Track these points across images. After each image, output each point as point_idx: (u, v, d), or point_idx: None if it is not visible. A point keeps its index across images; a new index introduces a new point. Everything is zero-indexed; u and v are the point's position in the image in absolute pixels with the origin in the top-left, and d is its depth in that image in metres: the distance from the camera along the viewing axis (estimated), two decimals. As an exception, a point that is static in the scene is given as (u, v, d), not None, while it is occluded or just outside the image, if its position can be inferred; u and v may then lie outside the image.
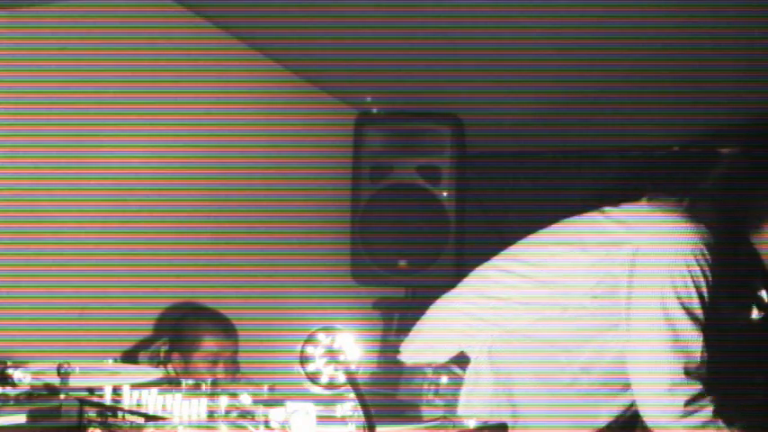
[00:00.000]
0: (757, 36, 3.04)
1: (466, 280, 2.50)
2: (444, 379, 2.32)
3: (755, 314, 2.27)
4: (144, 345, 3.53)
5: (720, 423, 2.15)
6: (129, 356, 3.46)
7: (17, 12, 3.19)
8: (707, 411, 2.14)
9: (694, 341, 2.16)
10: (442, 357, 2.36)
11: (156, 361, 3.40)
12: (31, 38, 3.23)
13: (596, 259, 2.27)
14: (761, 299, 2.24)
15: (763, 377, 3.48)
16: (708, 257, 2.18)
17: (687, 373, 2.14)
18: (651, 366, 2.17)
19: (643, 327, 2.20)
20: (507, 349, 2.32)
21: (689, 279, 2.16)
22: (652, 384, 2.17)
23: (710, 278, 2.18)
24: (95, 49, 3.39)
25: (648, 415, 2.18)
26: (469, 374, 2.33)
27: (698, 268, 2.17)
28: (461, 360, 2.33)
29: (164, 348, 3.46)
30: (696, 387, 2.15)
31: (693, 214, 2.25)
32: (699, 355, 2.16)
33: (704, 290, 2.18)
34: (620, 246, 2.25)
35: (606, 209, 2.36)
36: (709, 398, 2.15)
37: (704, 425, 2.13)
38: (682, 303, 2.16)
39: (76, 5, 3.30)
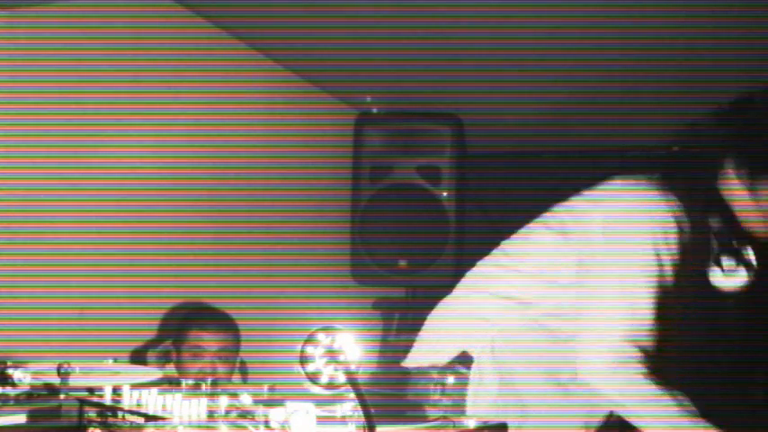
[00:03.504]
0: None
1: (462, 280, 2.50)
2: (451, 379, 2.32)
3: (723, 282, 2.25)
4: (151, 344, 3.54)
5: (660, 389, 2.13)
6: (137, 356, 3.47)
7: (17, 12, 3.19)
8: (641, 375, 2.13)
9: (645, 309, 2.15)
10: (445, 358, 2.36)
11: (164, 361, 3.41)
12: (31, 38, 3.23)
13: (575, 239, 2.27)
14: (744, 261, 2.23)
15: (763, 377, 3.49)
16: (676, 227, 2.18)
17: (634, 341, 2.14)
18: (599, 327, 2.17)
19: (598, 286, 2.20)
20: (508, 348, 2.31)
21: (650, 247, 2.16)
22: (596, 341, 2.17)
23: (678, 248, 2.18)
24: (95, 49, 3.39)
25: (583, 369, 2.17)
26: (474, 374, 2.33)
27: (662, 237, 2.17)
28: (465, 360, 2.33)
29: (171, 349, 3.47)
30: (637, 353, 2.15)
31: (664, 185, 2.25)
32: (647, 323, 2.15)
33: (667, 258, 2.17)
34: (592, 224, 2.26)
35: (583, 191, 2.36)
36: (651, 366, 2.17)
37: (636, 382, 2.13)
38: (642, 270, 2.16)
39: (76, 5, 3.30)
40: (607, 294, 2.18)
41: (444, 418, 1.71)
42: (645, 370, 2.12)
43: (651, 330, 2.15)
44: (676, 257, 2.18)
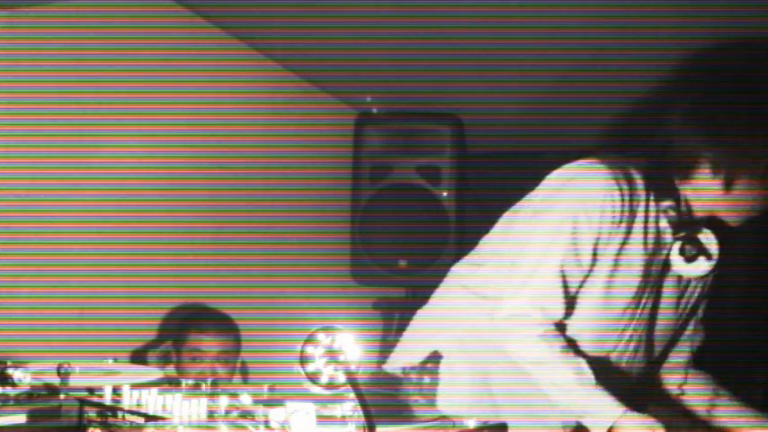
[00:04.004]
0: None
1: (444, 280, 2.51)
2: (427, 378, 2.33)
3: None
4: (151, 345, 3.54)
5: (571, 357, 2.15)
6: (137, 357, 3.47)
7: (17, 12, 3.19)
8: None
9: (550, 277, 2.18)
10: (418, 358, 2.36)
11: (164, 362, 3.41)
12: (31, 38, 3.23)
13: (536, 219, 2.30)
14: (704, 250, 2.21)
15: (763, 377, 3.49)
16: (610, 206, 2.18)
17: (540, 307, 2.17)
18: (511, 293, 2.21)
19: (519, 253, 2.24)
20: (478, 348, 2.31)
21: (568, 223, 2.18)
22: (507, 299, 2.21)
23: (610, 227, 2.19)
24: (95, 49, 3.39)
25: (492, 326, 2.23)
26: (444, 373, 2.34)
27: (584, 214, 2.17)
28: (435, 358, 2.35)
29: (171, 349, 3.47)
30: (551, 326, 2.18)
31: (615, 162, 2.24)
32: (554, 291, 2.17)
33: (587, 235, 2.18)
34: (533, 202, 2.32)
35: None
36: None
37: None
38: (552, 239, 2.19)
39: (76, 5, 3.30)
40: (522, 261, 2.22)
41: (444, 418, 1.71)
42: (546, 334, 2.15)
43: (565, 301, 2.17)
44: (604, 236, 2.18)
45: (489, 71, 3.75)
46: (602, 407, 2.10)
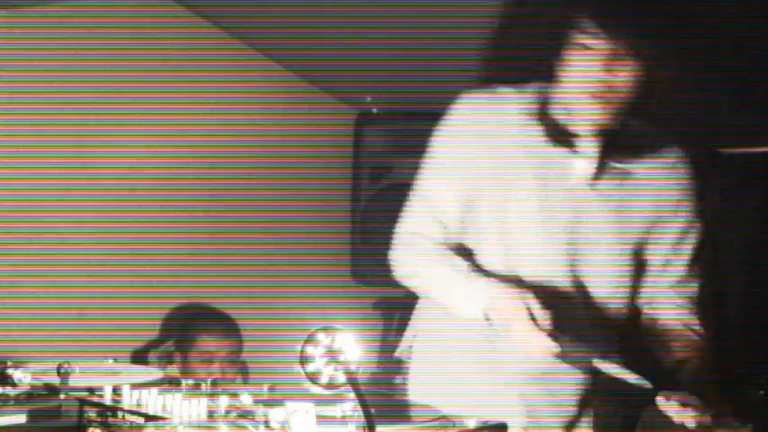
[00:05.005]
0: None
1: None
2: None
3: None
4: (153, 345, 3.54)
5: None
6: (138, 357, 3.47)
7: (17, 11, 3.19)
8: None
9: (430, 191, 2.31)
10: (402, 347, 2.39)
11: (166, 361, 3.42)
12: (31, 38, 3.23)
13: None
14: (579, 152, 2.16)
15: (763, 377, 3.49)
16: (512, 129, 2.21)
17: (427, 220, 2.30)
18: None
19: None
20: (433, 337, 2.34)
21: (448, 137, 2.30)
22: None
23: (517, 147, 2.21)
24: (95, 49, 3.39)
25: None
26: (413, 361, 2.39)
27: (487, 138, 2.23)
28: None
29: (173, 349, 3.48)
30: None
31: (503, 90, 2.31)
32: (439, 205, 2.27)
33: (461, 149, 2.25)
34: None
35: None
36: None
37: None
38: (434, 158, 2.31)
39: (76, 5, 3.30)
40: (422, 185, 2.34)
41: (444, 418, 1.71)
42: (437, 249, 2.22)
43: (460, 223, 2.23)
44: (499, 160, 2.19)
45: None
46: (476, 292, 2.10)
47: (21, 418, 1.63)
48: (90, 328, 3.26)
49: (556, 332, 2.00)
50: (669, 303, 2.28)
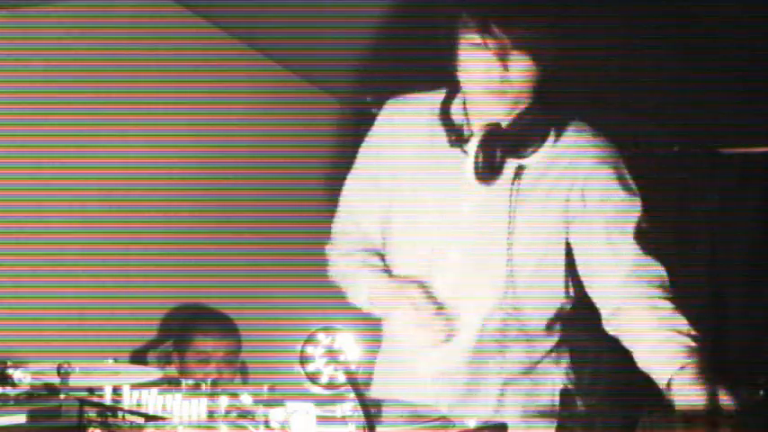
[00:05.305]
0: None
1: None
2: None
3: None
4: (152, 345, 3.54)
5: None
6: (138, 357, 3.47)
7: (17, 12, 3.20)
8: None
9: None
10: None
11: (165, 362, 3.42)
12: (31, 38, 3.23)
13: None
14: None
15: (763, 377, 3.48)
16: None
17: None
18: None
19: None
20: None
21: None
22: None
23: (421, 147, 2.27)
24: (95, 49, 3.39)
25: None
26: (378, 358, 2.35)
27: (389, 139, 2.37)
28: None
29: (171, 349, 3.48)
30: None
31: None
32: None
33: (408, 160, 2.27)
34: None
35: None
36: None
37: None
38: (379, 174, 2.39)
39: (77, 5, 3.30)
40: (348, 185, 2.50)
41: (444, 418, 1.71)
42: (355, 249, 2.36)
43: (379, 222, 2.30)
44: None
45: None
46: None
47: (21, 418, 1.63)
48: (90, 328, 3.26)
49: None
50: (634, 294, 2.03)
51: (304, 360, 1.58)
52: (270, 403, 1.64)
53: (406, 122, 2.31)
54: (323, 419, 1.57)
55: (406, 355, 2.21)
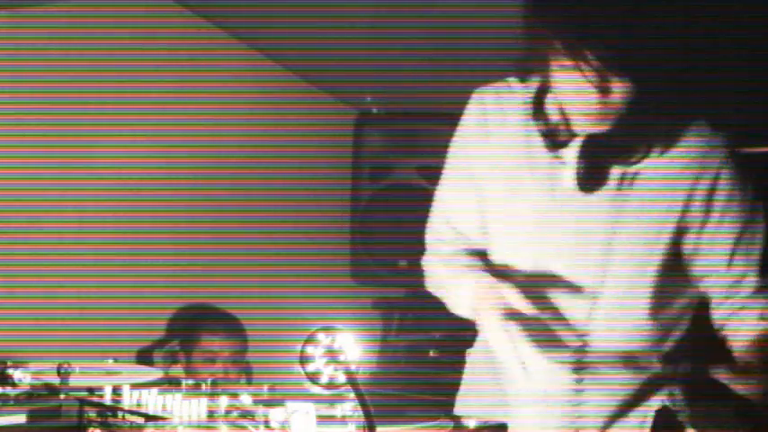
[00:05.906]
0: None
1: None
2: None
3: None
4: (158, 345, 3.54)
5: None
6: (143, 356, 3.47)
7: (17, 12, 3.20)
8: None
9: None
10: None
11: (171, 361, 3.42)
12: (31, 38, 3.23)
13: None
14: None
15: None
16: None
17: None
18: None
19: None
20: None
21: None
22: None
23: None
24: (95, 49, 3.39)
25: None
26: (467, 372, 2.30)
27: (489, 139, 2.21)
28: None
29: (178, 349, 3.48)
30: None
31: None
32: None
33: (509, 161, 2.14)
34: None
35: None
36: None
37: None
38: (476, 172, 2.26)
39: (76, 5, 3.31)
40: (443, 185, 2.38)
41: (444, 418, 1.71)
42: (454, 255, 2.17)
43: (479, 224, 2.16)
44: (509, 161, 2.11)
45: (489, 71, 3.74)
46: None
47: (21, 418, 1.63)
48: (90, 328, 3.26)
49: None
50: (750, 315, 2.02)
51: (304, 360, 1.58)
52: (270, 403, 1.64)
53: (497, 121, 2.15)
54: (323, 419, 1.57)
55: (504, 369, 2.04)
